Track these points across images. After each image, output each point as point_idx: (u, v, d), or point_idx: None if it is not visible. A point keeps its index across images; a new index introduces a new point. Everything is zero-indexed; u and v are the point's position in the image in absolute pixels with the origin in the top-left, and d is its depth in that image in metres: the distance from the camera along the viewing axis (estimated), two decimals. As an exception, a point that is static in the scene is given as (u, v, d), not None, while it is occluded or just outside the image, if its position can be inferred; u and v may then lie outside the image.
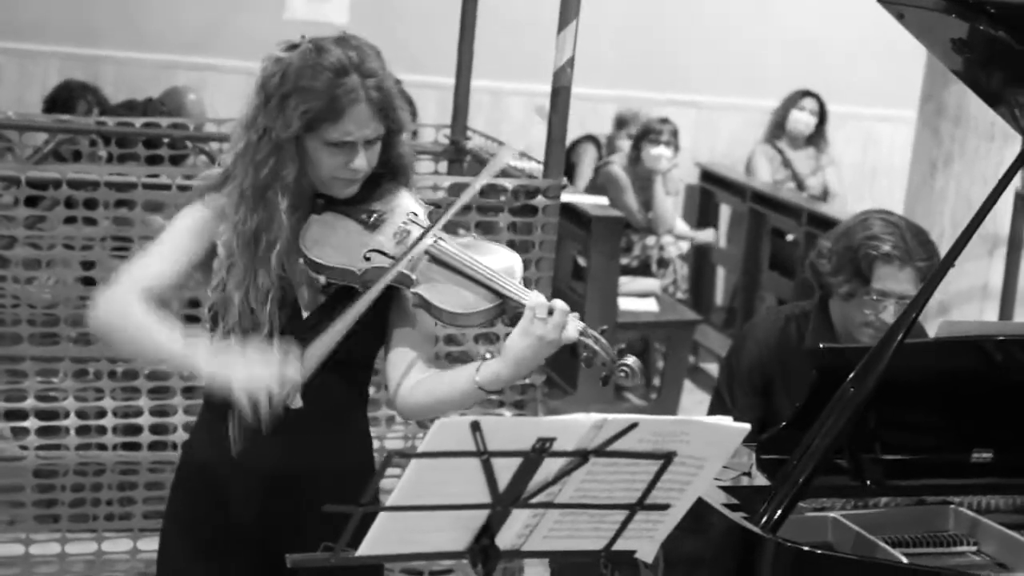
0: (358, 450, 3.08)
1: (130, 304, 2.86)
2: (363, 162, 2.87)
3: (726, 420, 2.58)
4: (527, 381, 4.79)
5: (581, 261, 7.44)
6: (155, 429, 4.71)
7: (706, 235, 8.67)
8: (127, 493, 4.79)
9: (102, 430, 4.67)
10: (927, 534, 3.37)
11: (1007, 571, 3.29)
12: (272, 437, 2.87)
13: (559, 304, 2.77)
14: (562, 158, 4.63)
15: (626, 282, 7.55)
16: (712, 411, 4.06)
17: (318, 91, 2.81)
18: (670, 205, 8.21)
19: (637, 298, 7.62)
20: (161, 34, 8.34)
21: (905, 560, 3.14)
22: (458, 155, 5.68)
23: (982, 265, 6.09)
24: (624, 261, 7.53)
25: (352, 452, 3.05)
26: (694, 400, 7.71)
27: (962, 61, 3.53)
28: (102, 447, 4.67)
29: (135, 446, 4.72)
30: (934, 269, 3.51)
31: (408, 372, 2.95)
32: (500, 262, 2.88)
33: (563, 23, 4.46)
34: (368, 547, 2.49)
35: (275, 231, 2.87)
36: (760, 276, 8.51)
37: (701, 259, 9.14)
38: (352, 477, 2.89)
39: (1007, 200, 6.02)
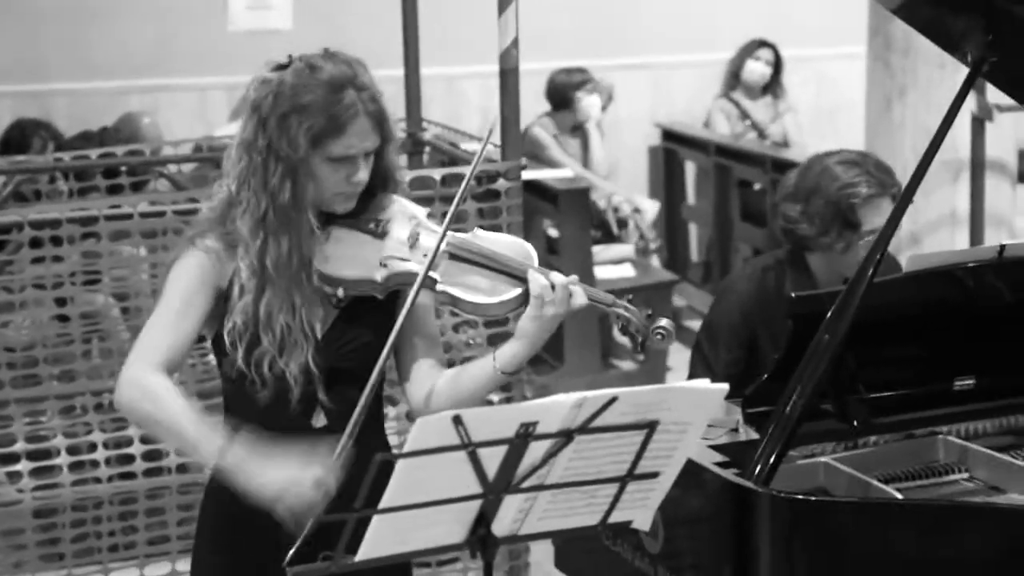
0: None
1: (158, 392, 2.86)
2: (365, 174, 2.89)
3: (704, 383, 2.61)
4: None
5: (553, 232, 7.47)
6: (148, 456, 4.72)
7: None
8: (128, 522, 4.81)
9: (95, 464, 4.69)
10: (919, 467, 3.41)
11: (1000, 493, 3.33)
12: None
13: (559, 280, 2.81)
14: (519, 139, 4.64)
15: (599, 251, 7.58)
16: (692, 370, 4.07)
17: (318, 107, 2.82)
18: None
19: (612, 266, 7.64)
20: (109, 61, 8.32)
21: (899, 495, 3.18)
22: (416, 147, 5.69)
23: (947, 192, 6.12)
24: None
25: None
26: (682, 359, 7.65)
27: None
28: (97, 480, 4.69)
29: (130, 475, 4.73)
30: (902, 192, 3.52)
31: (426, 383, 3.00)
32: (516, 249, 2.92)
33: (503, 5, 4.46)
34: (366, 551, 2.51)
35: (308, 248, 2.89)
36: (732, 228, 8.54)
37: (673, 217, 9.17)
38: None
39: (964, 124, 6.04)
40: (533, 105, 8.54)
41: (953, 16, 3.41)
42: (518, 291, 2.84)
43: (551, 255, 7.39)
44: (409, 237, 2.92)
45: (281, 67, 2.88)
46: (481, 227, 4.61)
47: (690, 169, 9.29)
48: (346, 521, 2.48)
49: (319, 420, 2.99)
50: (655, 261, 8.30)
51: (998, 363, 3.64)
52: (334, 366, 2.95)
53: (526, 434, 2.46)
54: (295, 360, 2.91)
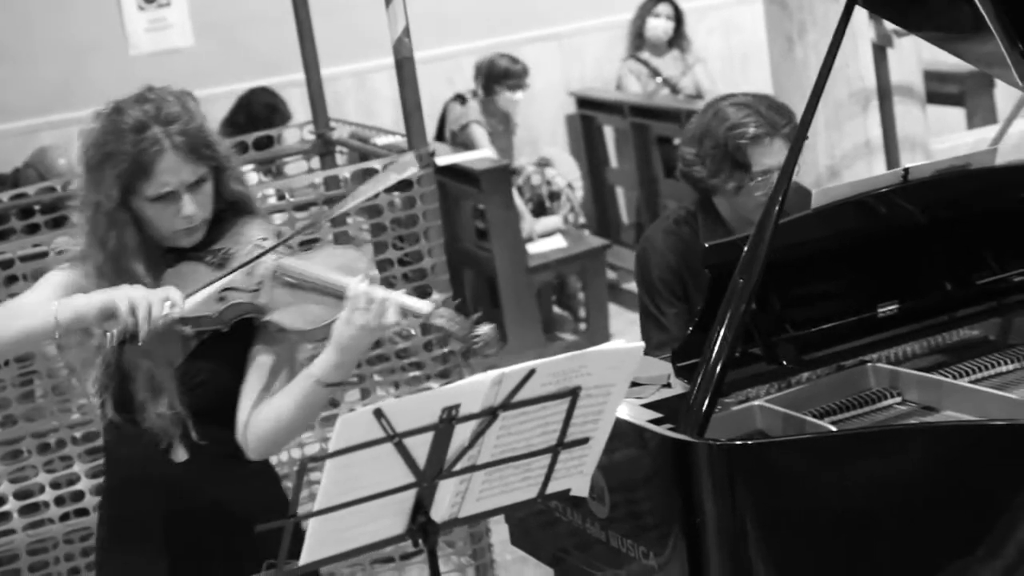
0: (259, 490, 3.15)
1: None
2: (192, 207, 2.90)
3: (619, 343, 2.64)
4: (446, 349, 4.81)
5: (479, 221, 7.48)
6: (98, 490, 4.70)
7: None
8: (89, 558, 4.79)
9: (46, 505, 4.67)
10: (851, 397, 3.43)
11: (933, 412, 3.37)
12: (166, 495, 2.94)
13: (378, 294, 2.80)
14: (423, 127, 4.63)
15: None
16: (645, 331, 4.07)
17: (124, 153, 2.85)
18: None
19: (543, 239, 7.67)
20: (16, 101, 8.27)
21: (834, 428, 3.21)
22: (327, 148, 5.67)
23: (859, 122, 6.15)
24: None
25: (254, 493, 3.12)
26: (624, 321, 7.77)
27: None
28: (51, 521, 4.67)
29: (83, 511, 4.71)
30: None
31: (252, 405, 2.98)
32: (336, 263, 2.92)
33: (388, -2, 4.46)
34: (309, 554, 2.53)
35: None
36: (658, 186, 8.57)
37: (598, 182, 9.20)
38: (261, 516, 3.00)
39: (866, 53, 6.08)
40: (444, 89, 8.56)
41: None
42: (337, 313, 2.84)
43: (482, 238, 7.41)
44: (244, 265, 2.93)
45: (99, 115, 2.92)
46: (397, 219, 4.70)
47: (608, 133, 9.32)
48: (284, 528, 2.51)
49: (180, 455, 3.01)
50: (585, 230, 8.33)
51: (918, 285, 3.67)
52: (192, 402, 2.96)
53: (450, 418, 2.49)
54: (162, 404, 2.95)
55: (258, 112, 7.61)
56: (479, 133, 8.02)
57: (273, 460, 4.88)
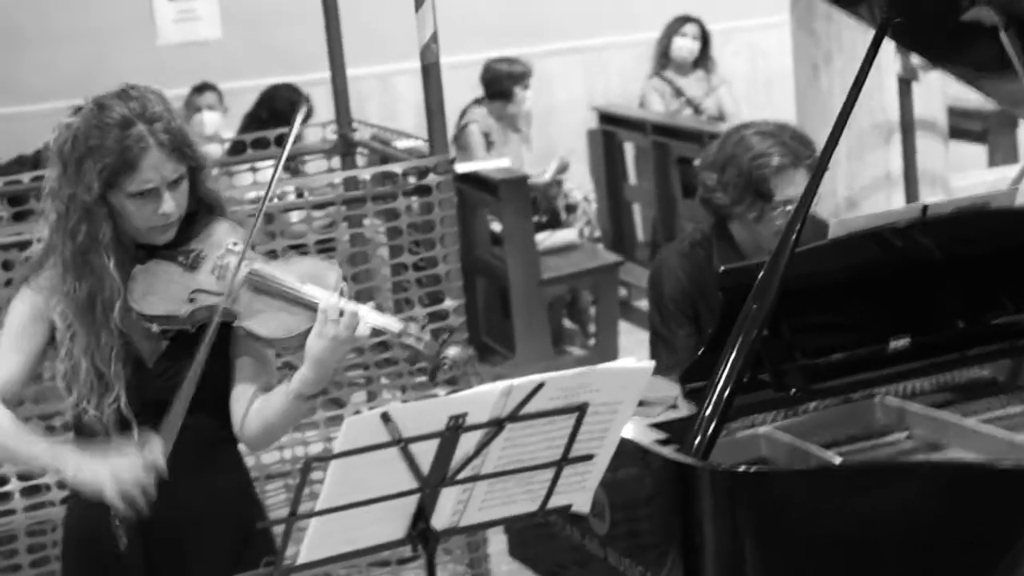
0: (230, 479, 3.16)
1: None
2: (171, 205, 2.91)
3: (629, 361, 2.64)
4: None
5: (496, 224, 7.48)
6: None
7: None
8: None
9: (47, 488, 4.67)
10: (858, 430, 3.43)
11: (938, 449, 3.36)
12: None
13: (349, 306, 2.82)
14: (445, 133, 4.64)
15: (543, 238, 7.59)
16: (655, 352, 4.07)
17: (109, 148, 2.85)
18: None
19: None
20: (40, 84, 8.28)
21: (838, 460, 3.20)
22: (348, 148, 5.68)
23: (880, 154, 6.17)
24: (534, 218, 7.56)
25: (224, 483, 3.13)
26: (633, 340, 7.74)
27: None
28: (51, 504, 4.67)
29: (83, 495, 4.71)
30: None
31: (247, 406, 3.02)
32: (308, 274, 2.93)
33: (419, 1, 4.46)
34: (308, 553, 2.54)
35: (108, 291, 2.92)
36: (676, 205, 8.56)
37: (615, 198, 9.20)
38: (230, 504, 3.07)
39: (891, 86, 6.09)
40: (466, 96, 8.57)
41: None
42: (309, 324, 2.85)
43: (497, 247, 7.41)
44: (216, 269, 2.96)
45: (78, 110, 2.92)
46: (413, 224, 4.70)
47: (629, 150, 9.32)
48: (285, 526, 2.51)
49: None
50: (599, 243, 8.32)
51: (931, 321, 3.67)
52: (165, 398, 2.95)
53: (456, 426, 2.49)
54: (109, 404, 2.95)
55: (281, 108, 7.63)
56: (475, 136, 8.04)
57: (276, 457, 4.97)
